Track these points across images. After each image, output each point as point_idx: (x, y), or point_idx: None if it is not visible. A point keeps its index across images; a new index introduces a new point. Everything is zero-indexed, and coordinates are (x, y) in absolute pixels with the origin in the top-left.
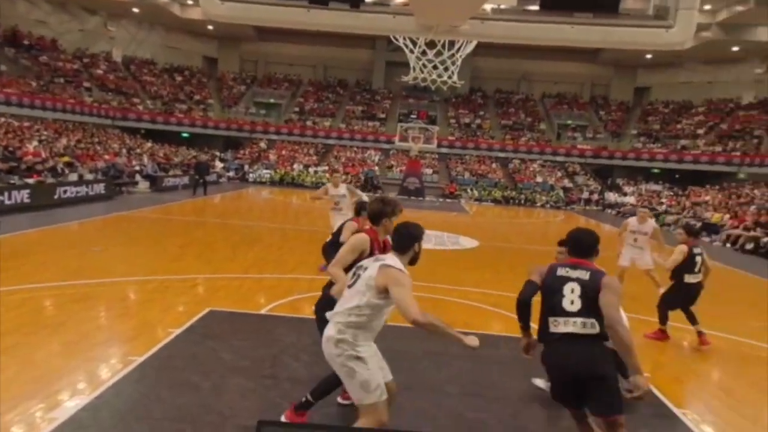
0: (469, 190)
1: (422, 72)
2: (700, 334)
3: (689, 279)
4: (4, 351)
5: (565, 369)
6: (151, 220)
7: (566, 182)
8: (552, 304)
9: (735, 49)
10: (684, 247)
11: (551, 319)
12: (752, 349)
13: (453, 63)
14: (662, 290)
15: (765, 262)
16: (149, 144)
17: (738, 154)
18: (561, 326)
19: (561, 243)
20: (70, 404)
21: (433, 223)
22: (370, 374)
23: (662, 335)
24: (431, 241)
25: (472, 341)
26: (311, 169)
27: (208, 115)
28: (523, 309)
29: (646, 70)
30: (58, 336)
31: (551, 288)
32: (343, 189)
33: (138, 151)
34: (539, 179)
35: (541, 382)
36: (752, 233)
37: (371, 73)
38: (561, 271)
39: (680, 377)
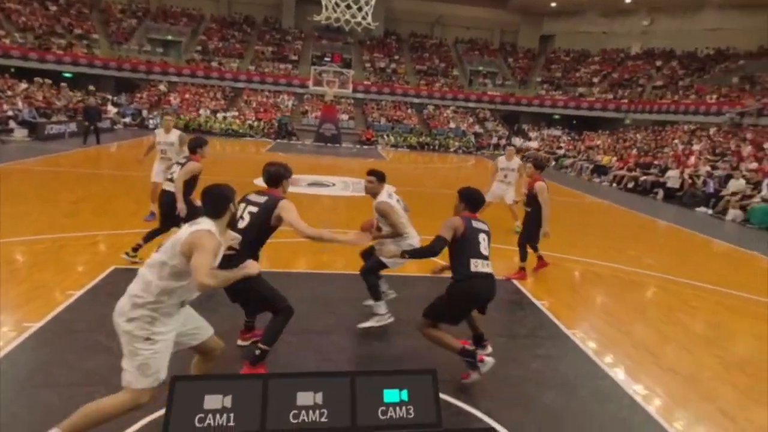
0: (385, 136)
1: (335, 12)
2: (539, 258)
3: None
4: None
5: (485, 297)
6: (35, 173)
7: (477, 128)
8: (473, 249)
9: (627, 1)
10: (543, 185)
11: (473, 261)
12: (630, 275)
13: (366, 2)
14: (518, 223)
15: (643, 199)
16: (24, 85)
17: (625, 101)
18: (480, 266)
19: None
20: None
21: (350, 169)
22: (153, 358)
23: (540, 264)
24: (349, 188)
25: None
26: (219, 115)
27: (94, 52)
28: (429, 257)
29: (550, 18)
30: None
31: (471, 236)
32: (173, 136)
33: (9, 93)
34: (452, 125)
35: (370, 323)
36: (633, 173)
37: (280, 11)
38: (475, 224)
39: (570, 303)
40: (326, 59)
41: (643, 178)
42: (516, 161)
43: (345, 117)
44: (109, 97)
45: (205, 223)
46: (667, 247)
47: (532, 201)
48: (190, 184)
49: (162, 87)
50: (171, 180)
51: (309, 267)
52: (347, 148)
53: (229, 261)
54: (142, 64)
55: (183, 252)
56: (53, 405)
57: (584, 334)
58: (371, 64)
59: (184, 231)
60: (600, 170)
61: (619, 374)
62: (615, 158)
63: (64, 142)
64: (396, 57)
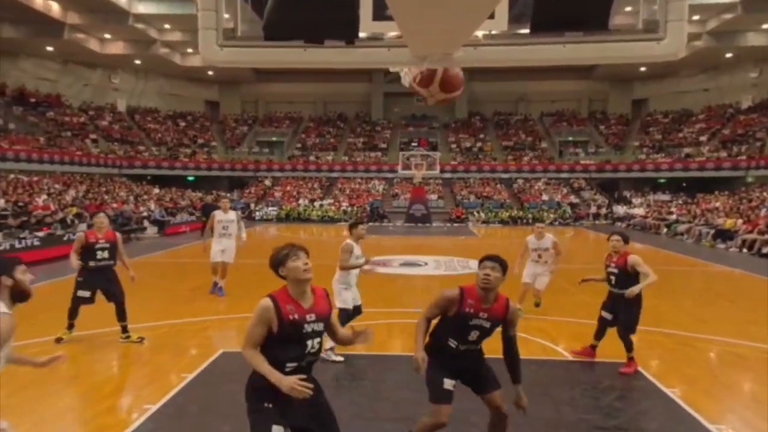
0: (475, 213)
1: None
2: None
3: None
4: (17, 407)
5: None
6: (161, 265)
7: (573, 198)
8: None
9: (728, 55)
10: (637, 256)
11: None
12: None
13: None
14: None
15: None
16: (156, 190)
17: (743, 158)
18: None
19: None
20: None
21: (442, 248)
22: None
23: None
24: (442, 266)
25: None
26: (317, 203)
27: (212, 157)
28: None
29: (641, 82)
30: (71, 389)
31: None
32: (232, 215)
33: (145, 197)
34: (545, 197)
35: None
36: (766, 236)
37: (370, 105)
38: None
39: (711, 391)
40: (413, 144)
41: None
42: (548, 239)
43: (434, 197)
44: (223, 194)
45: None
46: None
47: (625, 279)
48: None
49: (267, 182)
50: None
51: (406, 350)
52: (438, 227)
53: None
54: (251, 164)
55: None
56: None
57: (733, 429)
58: (457, 145)
59: None
60: (724, 235)
61: None
62: (740, 220)
63: (185, 237)
64: (481, 136)
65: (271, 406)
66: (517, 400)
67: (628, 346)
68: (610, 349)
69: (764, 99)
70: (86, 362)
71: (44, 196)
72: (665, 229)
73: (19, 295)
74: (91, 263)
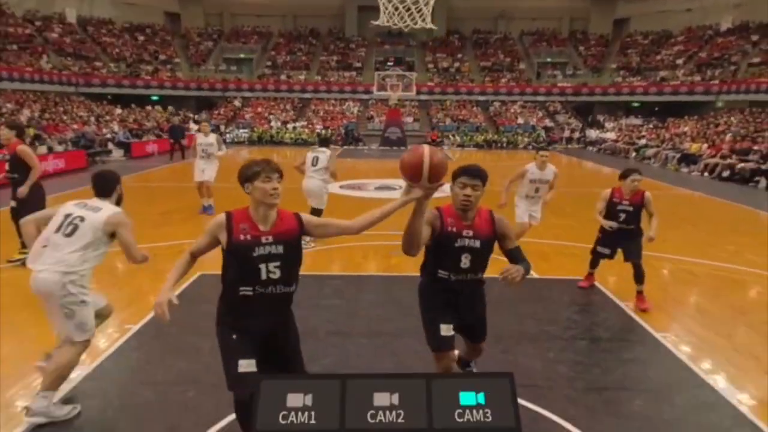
0: (451, 137)
1: (394, 15)
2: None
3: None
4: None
5: None
6: (129, 189)
7: (547, 122)
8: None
9: None
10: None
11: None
12: (729, 272)
13: (426, 4)
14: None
15: (740, 189)
16: (118, 110)
17: (716, 82)
18: None
19: None
20: (72, 375)
21: None
22: (88, 316)
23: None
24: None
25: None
26: (289, 126)
27: (177, 75)
28: None
29: (624, 1)
30: None
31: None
32: (212, 138)
33: (107, 118)
34: (520, 120)
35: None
36: (728, 161)
37: (343, 20)
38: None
39: (661, 304)
40: (389, 64)
41: (741, 165)
42: (551, 170)
43: (410, 120)
44: (191, 115)
45: (105, 205)
46: None
47: (635, 216)
48: None
49: (237, 103)
50: None
51: (380, 270)
52: None
53: None
54: (218, 83)
55: (107, 231)
56: (152, 401)
57: (677, 337)
58: (434, 65)
59: (92, 214)
60: (688, 159)
61: (719, 382)
62: (705, 145)
63: (154, 159)
64: (459, 56)
65: (235, 336)
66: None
67: (642, 277)
68: (575, 268)
69: (744, 21)
70: None
71: None
72: (634, 153)
73: (120, 201)
74: None
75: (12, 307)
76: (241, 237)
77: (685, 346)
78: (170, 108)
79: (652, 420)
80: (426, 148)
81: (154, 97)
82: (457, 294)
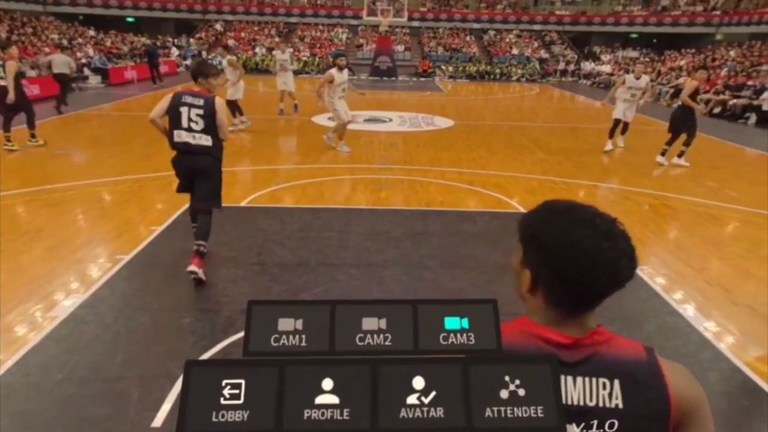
0: (443, 67)
1: None
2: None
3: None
4: None
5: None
6: (111, 118)
7: (543, 53)
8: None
9: None
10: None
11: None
12: (705, 207)
13: None
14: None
15: (730, 125)
16: (92, 32)
17: (717, 13)
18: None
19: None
20: (67, 303)
21: (407, 104)
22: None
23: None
24: (406, 123)
25: None
26: (275, 52)
27: None
28: None
29: None
30: (39, 241)
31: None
32: (287, 54)
33: (80, 41)
34: (515, 51)
35: None
36: (721, 97)
37: None
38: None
39: (640, 238)
40: None
41: (733, 101)
42: (645, 79)
43: (401, 48)
44: (170, 39)
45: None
46: (756, 177)
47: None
48: None
49: (218, 26)
50: None
51: (369, 203)
52: (403, 81)
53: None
54: (198, 4)
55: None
56: (148, 325)
57: (652, 269)
58: None
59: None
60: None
61: (688, 310)
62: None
63: (134, 86)
64: None
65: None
66: None
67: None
68: None
69: None
70: (50, 215)
71: None
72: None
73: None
74: None
75: (5, 235)
76: (178, 92)
77: (660, 278)
78: (138, 36)
79: None
80: None
81: (130, 19)
82: None
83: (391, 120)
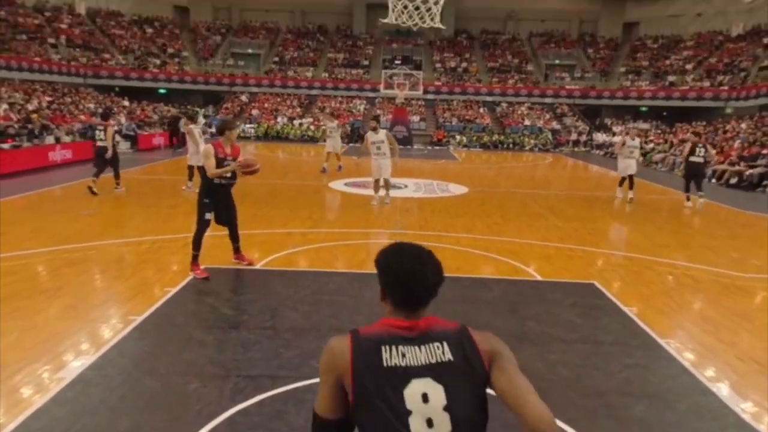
0: (457, 137)
1: (403, 14)
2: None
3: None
4: (3, 317)
5: None
6: (137, 181)
7: (555, 124)
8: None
9: None
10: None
11: None
12: (731, 279)
13: (435, 3)
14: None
15: (747, 195)
16: (126, 102)
17: (725, 88)
18: None
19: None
20: (76, 364)
21: (422, 171)
22: None
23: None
24: (421, 189)
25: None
26: (296, 122)
27: (184, 68)
28: None
29: (634, 4)
30: (55, 300)
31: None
32: (381, 135)
33: (115, 109)
34: (527, 122)
35: None
36: (736, 167)
37: (351, 18)
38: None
39: (664, 309)
40: (396, 62)
41: (749, 171)
42: (638, 140)
43: (416, 119)
44: (198, 109)
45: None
46: None
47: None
48: None
49: (244, 98)
50: None
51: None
52: (419, 149)
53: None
54: (225, 78)
55: None
56: (154, 390)
57: (680, 343)
58: (442, 65)
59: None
60: (705, 171)
61: (722, 389)
62: (714, 151)
63: (160, 152)
64: (467, 56)
65: (207, 201)
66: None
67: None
68: (578, 271)
69: (755, 26)
70: (68, 275)
71: (5, 106)
72: (641, 158)
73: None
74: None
75: (18, 295)
76: (219, 152)
77: (688, 352)
78: (168, 106)
79: (652, 426)
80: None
81: (162, 91)
82: None
83: (406, 186)
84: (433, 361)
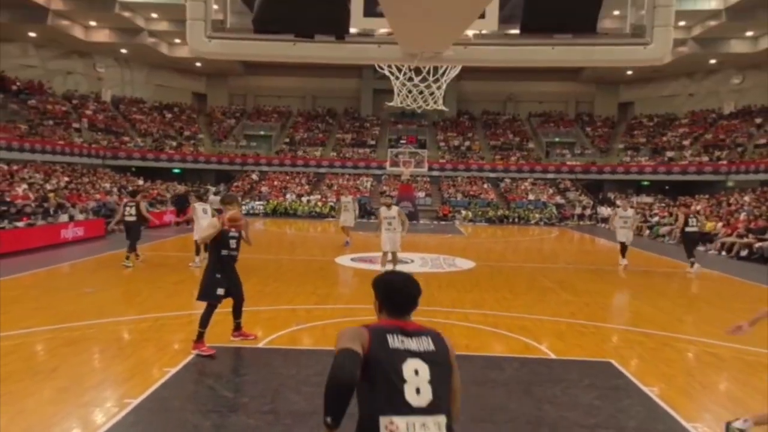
0: (462, 212)
1: (407, 98)
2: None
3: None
4: None
5: None
6: (144, 258)
7: (558, 199)
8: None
9: (712, 61)
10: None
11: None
12: (756, 356)
13: (438, 88)
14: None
15: (759, 268)
16: (140, 181)
17: (724, 162)
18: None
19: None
20: None
21: (428, 246)
22: None
23: None
24: (428, 264)
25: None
26: (304, 199)
27: (199, 150)
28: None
29: (628, 86)
30: (50, 382)
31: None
32: (393, 211)
33: (129, 188)
34: (531, 197)
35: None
36: (745, 240)
37: (359, 101)
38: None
39: (688, 390)
40: (402, 141)
41: (759, 244)
42: (630, 211)
43: (422, 194)
44: (209, 187)
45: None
46: None
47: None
48: None
49: (254, 176)
50: None
51: None
52: (425, 224)
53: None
54: (238, 157)
55: None
56: None
57: (707, 427)
58: (446, 143)
59: None
60: (703, 238)
61: None
62: (720, 224)
63: (171, 229)
64: (469, 134)
65: (219, 276)
66: None
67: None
68: (593, 348)
69: (746, 105)
70: (66, 355)
71: (24, 186)
72: (647, 231)
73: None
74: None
75: (11, 377)
76: (224, 228)
77: None
78: (181, 185)
79: None
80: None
81: (176, 170)
82: None
83: (412, 261)
84: (422, 349)
